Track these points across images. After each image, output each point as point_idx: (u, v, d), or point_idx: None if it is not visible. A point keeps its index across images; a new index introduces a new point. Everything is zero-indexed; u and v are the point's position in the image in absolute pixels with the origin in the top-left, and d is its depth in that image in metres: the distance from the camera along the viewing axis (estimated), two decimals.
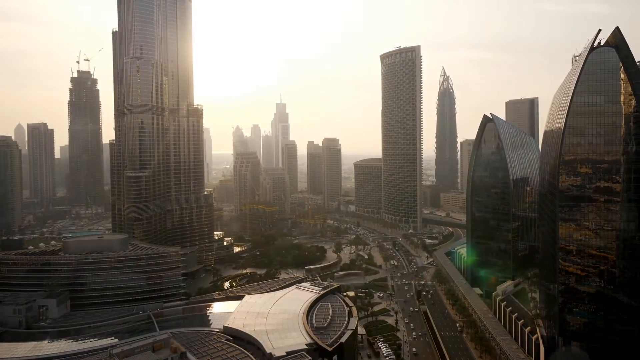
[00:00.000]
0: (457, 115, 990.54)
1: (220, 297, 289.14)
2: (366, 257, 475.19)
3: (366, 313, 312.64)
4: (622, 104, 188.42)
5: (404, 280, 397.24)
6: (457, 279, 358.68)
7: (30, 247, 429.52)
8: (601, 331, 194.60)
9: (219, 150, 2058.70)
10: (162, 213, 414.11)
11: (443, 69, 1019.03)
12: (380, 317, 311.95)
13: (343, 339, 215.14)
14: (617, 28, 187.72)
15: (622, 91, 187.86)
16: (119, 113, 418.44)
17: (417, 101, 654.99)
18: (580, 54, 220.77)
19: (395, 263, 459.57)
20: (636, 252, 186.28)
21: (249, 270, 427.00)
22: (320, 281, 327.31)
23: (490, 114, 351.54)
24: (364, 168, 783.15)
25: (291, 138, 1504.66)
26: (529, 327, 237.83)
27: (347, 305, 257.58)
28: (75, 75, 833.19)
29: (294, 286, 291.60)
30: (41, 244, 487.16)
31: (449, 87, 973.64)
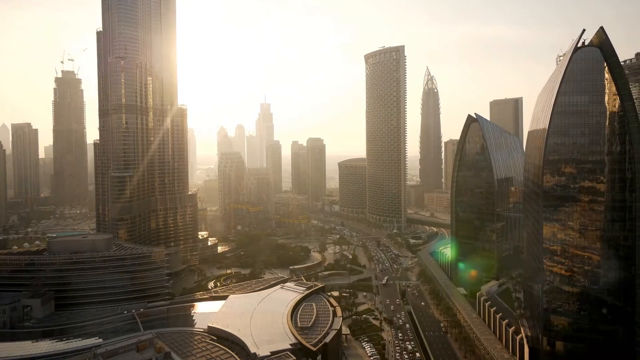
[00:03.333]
0: (441, 115, 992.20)
1: (205, 297, 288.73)
2: (350, 257, 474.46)
3: (350, 313, 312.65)
4: (607, 104, 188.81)
5: (388, 280, 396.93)
6: (441, 278, 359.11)
7: (15, 247, 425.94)
8: (585, 331, 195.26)
9: (204, 150, 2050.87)
10: (146, 213, 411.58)
11: (427, 68, 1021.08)
12: (365, 317, 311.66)
13: (327, 339, 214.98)
14: (602, 28, 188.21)
15: (607, 91, 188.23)
16: (103, 113, 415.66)
17: (401, 101, 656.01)
18: (564, 54, 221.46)
19: (380, 263, 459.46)
20: (620, 252, 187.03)
21: (233, 270, 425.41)
22: (305, 281, 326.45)
23: (475, 114, 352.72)
24: (348, 168, 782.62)
25: (275, 138, 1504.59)
26: (513, 327, 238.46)
27: (332, 305, 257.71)
28: (60, 75, 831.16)
29: (278, 286, 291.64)
30: (25, 244, 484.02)
31: (433, 86, 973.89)
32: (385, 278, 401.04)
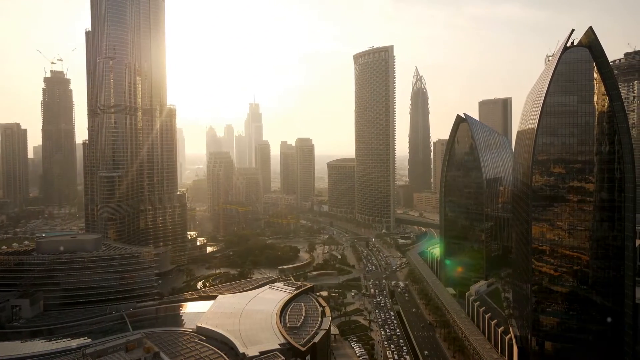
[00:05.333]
0: (430, 115, 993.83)
1: (194, 297, 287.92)
2: (339, 257, 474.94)
3: (339, 313, 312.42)
4: (595, 104, 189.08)
5: (377, 280, 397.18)
6: (430, 278, 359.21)
7: (4, 247, 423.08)
8: (574, 331, 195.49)
9: (193, 150, 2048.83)
10: (135, 213, 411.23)
11: (416, 68, 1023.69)
12: (354, 317, 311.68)
13: (316, 339, 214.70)
14: (591, 28, 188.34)
15: (595, 91, 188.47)
16: (92, 113, 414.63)
17: (390, 101, 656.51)
18: (553, 54, 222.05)
19: (369, 264, 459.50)
20: (609, 252, 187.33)
21: (222, 270, 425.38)
22: (294, 281, 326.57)
23: (464, 114, 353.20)
24: (337, 168, 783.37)
25: (264, 138, 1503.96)
26: (502, 327, 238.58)
27: (321, 305, 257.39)
28: (49, 75, 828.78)
29: (267, 286, 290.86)
30: (14, 244, 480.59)
31: (422, 87, 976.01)
32: (375, 279, 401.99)
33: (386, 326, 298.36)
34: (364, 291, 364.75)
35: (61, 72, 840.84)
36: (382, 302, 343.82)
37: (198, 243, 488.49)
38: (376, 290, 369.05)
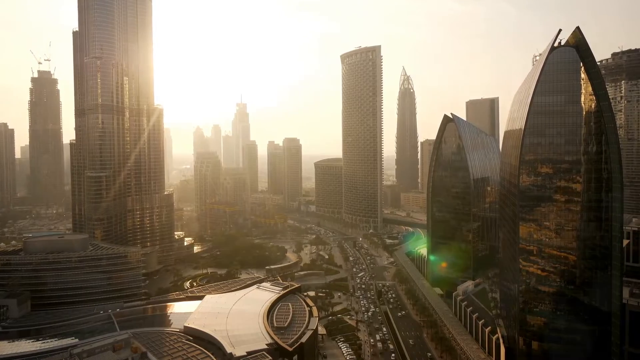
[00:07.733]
0: (417, 115, 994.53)
1: (181, 297, 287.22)
2: (326, 257, 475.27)
3: (327, 313, 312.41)
4: (583, 104, 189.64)
5: (365, 280, 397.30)
6: (417, 279, 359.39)
7: None
8: (561, 331, 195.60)
9: (180, 150, 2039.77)
10: (122, 213, 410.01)
11: (403, 68, 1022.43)
12: (341, 317, 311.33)
13: (303, 339, 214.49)
14: (578, 28, 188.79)
15: (583, 91, 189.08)
16: (80, 113, 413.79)
17: (377, 101, 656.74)
18: (540, 54, 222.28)
19: (356, 264, 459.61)
20: (596, 252, 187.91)
21: (209, 270, 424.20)
22: (281, 281, 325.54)
23: (451, 113, 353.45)
24: (324, 168, 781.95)
25: (252, 138, 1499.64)
26: (490, 327, 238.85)
27: (308, 305, 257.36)
28: (36, 75, 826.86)
29: (255, 286, 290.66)
30: (1, 244, 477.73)
31: (410, 87, 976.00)
32: (362, 279, 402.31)
33: (373, 326, 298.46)
34: (351, 291, 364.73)
35: (48, 72, 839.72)
36: (369, 302, 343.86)
37: (185, 243, 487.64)
38: (363, 291, 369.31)
